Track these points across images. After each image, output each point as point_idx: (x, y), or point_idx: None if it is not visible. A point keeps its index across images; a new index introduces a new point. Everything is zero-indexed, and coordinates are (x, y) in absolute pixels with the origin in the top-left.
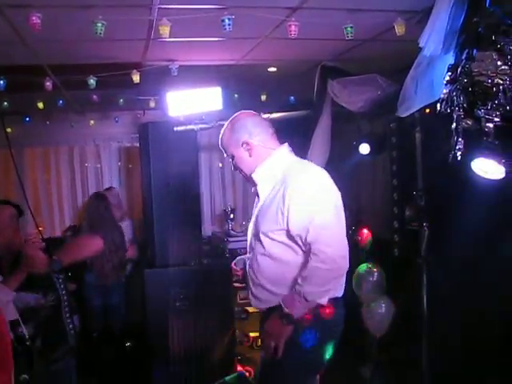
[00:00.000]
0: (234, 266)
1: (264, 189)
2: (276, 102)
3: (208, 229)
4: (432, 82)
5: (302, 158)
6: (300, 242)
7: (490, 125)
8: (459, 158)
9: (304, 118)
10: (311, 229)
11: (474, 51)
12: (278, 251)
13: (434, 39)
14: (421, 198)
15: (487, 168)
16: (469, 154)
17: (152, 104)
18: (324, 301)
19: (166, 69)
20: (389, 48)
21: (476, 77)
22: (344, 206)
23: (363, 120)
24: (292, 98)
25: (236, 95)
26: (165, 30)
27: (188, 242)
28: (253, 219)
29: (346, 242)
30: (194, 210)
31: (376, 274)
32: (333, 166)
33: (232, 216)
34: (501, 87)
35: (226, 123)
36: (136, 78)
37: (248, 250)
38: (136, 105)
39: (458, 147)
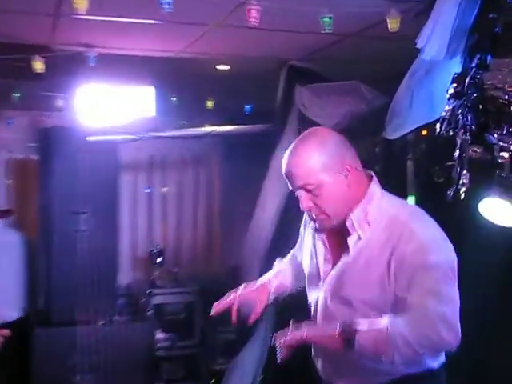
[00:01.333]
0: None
1: (355, 238)
2: (226, 111)
3: (126, 276)
4: (432, 95)
5: (257, 186)
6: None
7: (505, 154)
8: (463, 196)
9: (262, 134)
10: None
11: (488, 57)
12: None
13: (436, 39)
14: None
15: (499, 211)
16: (476, 192)
17: (59, 103)
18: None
19: (81, 57)
20: (377, 48)
21: (489, 91)
22: None
23: None
24: (248, 106)
25: (174, 99)
26: (81, 4)
27: (97, 293)
28: (330, 275)
29: None
30: (109, 249)
31: None
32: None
33: (160, 260)
34: None
35: (297, 145)
36: (39, 66)
37: (319, 310)
38: (37, 103)
39: (461, 182)
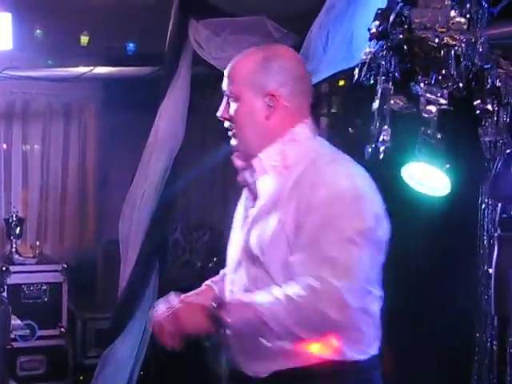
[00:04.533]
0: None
1: (266, 184)
2: (104, 49)
3: None
4: (351, 35)
5: (143, 138)
6: None
7: (433, 108)
8: (382, 156)
9: (148, 78)
10: None
11: None
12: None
13: None
14: None
15: (424, 177)
16: (398, 152)
17: None
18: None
19: None
20: None
21: (417, 31)
22: (202, 223)
23: None
24: (131, 45)
25: (39, 31)
26: None
27: None
28: (240, 227)
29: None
30: None
31: None
32: (188, 157)
33: (18, 231)
34: (453, 51)
35: (252, 49)
36: None
37: (228, 281)
38: None
39: (381, 138)
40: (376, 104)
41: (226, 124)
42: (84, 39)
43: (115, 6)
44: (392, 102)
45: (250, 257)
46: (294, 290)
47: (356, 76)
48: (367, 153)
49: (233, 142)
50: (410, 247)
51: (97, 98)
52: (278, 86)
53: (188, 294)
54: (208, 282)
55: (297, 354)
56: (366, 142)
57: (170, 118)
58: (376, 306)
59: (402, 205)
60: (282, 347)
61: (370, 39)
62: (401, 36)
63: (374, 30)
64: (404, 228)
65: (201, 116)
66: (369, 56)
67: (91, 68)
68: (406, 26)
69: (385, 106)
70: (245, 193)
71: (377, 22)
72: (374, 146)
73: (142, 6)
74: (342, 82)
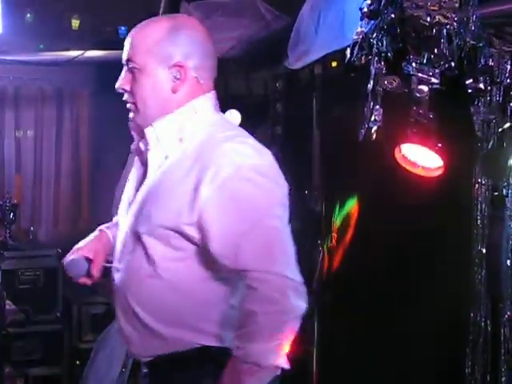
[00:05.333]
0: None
1: (158, 156)
2: (96, 33)
3: None
4: (343, 15)
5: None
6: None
7: (425, 88)
8: (374, 136)
9: None
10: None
11: None
12: (176, 267)
13: None
14: (316, 201)
15: (417, 157)
16: (389, 133)
17: None
18: (284, 362)
19: None
20: None
21: (409, 10)
22: None
23: (233, 72)
24: (123, 28)
25: (29, 15)
26: None
27: None
28: (130, 207)
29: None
30: None
31: None
32: None
33: (12, 216)
34: (445, 30)
35: (158, 18)
36: None
37: (117, 258)
38: None
39: (373, 118)
40: (370, 85)
41: (126, 96)
42: (75, 23)
43: None
44: (384, 82)
45: (135, 234)
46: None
47: (348, 56)
48: (360, 134)
49: (131, 114)
50: (402, 228)
51: (89, 82)
52: (186, 58)
53: (81, 243)
54: (102, 226)
55: (175, 339)
56: (354, 123)
57: None
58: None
59: (394, 186)
60: (160, 332)
61: (362, 19)
62: (392, 15)
63: (365, 10)
64: (397, 209)
65: None
66: (360, 36)
67: (82, 52)
68: (397, 5)
69: (377, 87)
70: (136, 162)
71: (368, 1)
72: (365, 126)
73: None
74: (334, 64)
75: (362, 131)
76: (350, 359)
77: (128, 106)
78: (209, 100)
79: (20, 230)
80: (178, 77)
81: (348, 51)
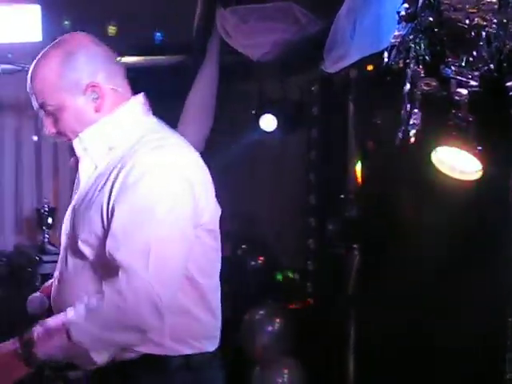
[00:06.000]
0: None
1: (87, 166)
2: (132, 38)
3: (9, 240)
4: (379, 19)
5: (169, 126)
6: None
7: (463, 91)
8: (413, 140)
9: (176, 66)
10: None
11: None
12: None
13: None
14: (352, 204)
15: (455, 161)
16: (428, 136)
17: None
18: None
19: None
20: None
21: (446, 12)
22: (229, 212)
23: (269, 76)
24: (158, 34)
25: (67, 22)
26: None
27: None
28: (67, 216)
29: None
30: None
31: (278, 322)
32: (216, 145)
33: (50, 220)
34: (483, 32)
35: (43, 52)
36: None
37: (58, 266)
38: None
39: (412, 122)
40: (407, 87)
41: (61, 138)
42: (112, 29)
43: None
44: (422, 85)
45: (71, 247)
46: (98, 296)
47: (385, 59)
48: (397, 137)
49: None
50: (440, 232)
51: None
52: (93, 75)
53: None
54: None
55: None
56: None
57: (198, 106)
58: (206, 295)
59: (431, 189)
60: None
61: (399, 22)
62: (430, 18)
63: (402, 13)
64: (435, 212)
65: (230, 106)
66: (398, 39)
67: (119, 58)
68: (435, 8)
69: (415, 90)
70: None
71: (406, 5)
72: (403, 130)
73: None
74: (370, 67)
75: (400, 134)
76: (386, 364)
77: (63, 139)
78: (133, 105)
79: (58, 234)
80: (95, 97)
81: (385, 54)
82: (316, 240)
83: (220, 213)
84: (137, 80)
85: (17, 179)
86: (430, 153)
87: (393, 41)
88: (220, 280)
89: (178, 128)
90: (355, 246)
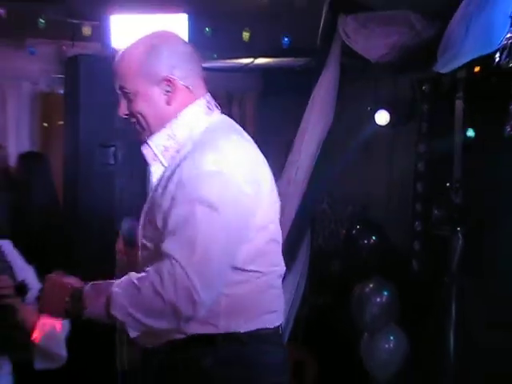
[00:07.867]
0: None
1: (158, 170)
2: (264, 43)
3: None
4: (491, 23)
5: (296, 122)
6: None
7: None
8: None
9: (302, 67)
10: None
11: None
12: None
13: None
14: (456, 191)
15: None
16: None
17: (87, 31)
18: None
19: None
20: None
21: None
22: (346, 196)
23: (385, 76)
24: (286, 39)
25: (208, 29)
26: None
27: None
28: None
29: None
30: (139, 184)
31: (385, 294)
32: (336, 137)
33: None
34: None
35: (135, 41)
36: None
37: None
38: (63, 30)
39: None
40: None
41: (132, 120)
42: (246, 35)
43: (275, 4)
44: None
45: (143, 245)
46: (142, 274)
47: (496, 59)
48: (506, 132)
49: (141, 135)
50: None
51: (257, 86)
52: (172, 70)
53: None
54: None
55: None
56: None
57: (321, 105)
58: (256, 282)
59: None
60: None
61: (511, 25)
62: None
63: None
64: None
65: (348, 102)
66: (509, 41)
67: (252, 60)
68: None
69: None
70: None
71: None
72: (510, 125)
73: (298, 5)
74: (477, 68)
75: (508, 128)
76: (489, 345)
77: (137, 127)
78: (198, 106)
79: None
80: (168, 90)
81: (497, 55)
82: (422, 223)
83: (279, 204)
84: (268, 80)
85: None
86: None
87: (504, 42)
88: (336, 257)
89: (303, 123)
90: (459, 229)
